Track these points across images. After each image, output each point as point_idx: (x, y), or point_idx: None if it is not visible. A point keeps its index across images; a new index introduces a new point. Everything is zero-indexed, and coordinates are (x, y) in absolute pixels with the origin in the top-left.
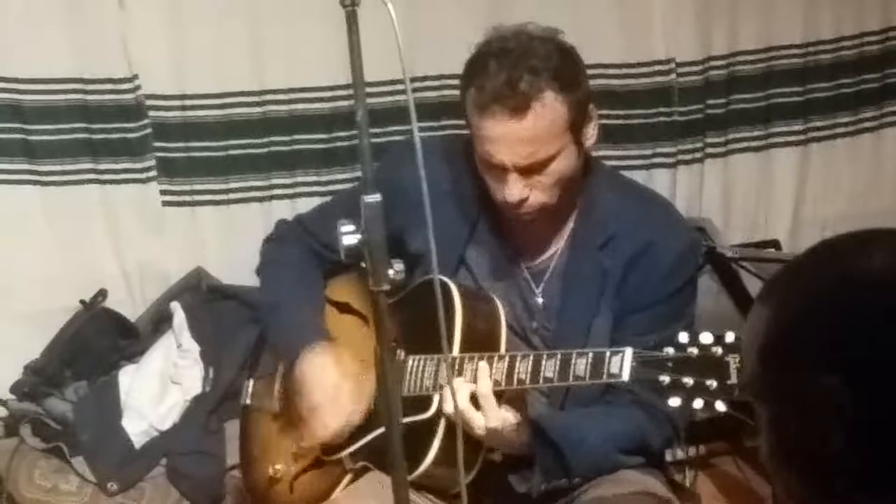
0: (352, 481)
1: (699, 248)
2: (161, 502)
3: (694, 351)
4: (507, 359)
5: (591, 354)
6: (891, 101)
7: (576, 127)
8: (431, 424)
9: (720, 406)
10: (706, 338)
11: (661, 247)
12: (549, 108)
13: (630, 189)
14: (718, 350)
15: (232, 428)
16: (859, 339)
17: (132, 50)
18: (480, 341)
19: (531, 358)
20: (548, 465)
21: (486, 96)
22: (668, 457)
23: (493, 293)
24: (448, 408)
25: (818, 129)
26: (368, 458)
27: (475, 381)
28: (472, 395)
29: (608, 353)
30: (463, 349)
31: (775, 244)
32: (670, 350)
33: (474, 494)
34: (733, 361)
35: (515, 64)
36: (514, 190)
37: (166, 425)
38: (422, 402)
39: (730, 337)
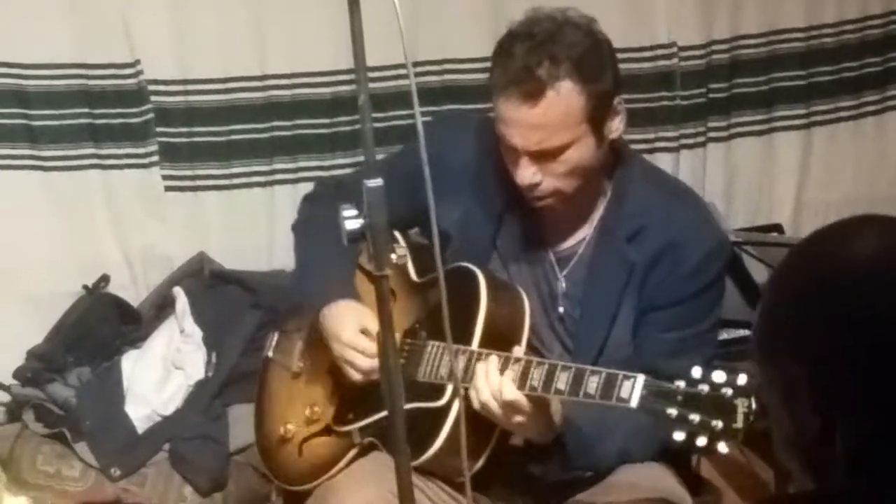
0: (357, 456)
1: (727, 250)
2: (164, 487)
3: (705, 388)
4: (522, 363)
5: (603, 374)
6: (893, 84)
7: (595, 119)
8: (442, 413)
9: (722, 448)
10: (718, 377)
11: (687, 246)
12: (565, 98)
13: (663, 183)
14: (728, 392)
15: (235, 412)
16: (829, 331)
17: (134, 35)
18: (502, 336)
19: (546, 367)
20: (576, 455)
21: (504, 78)
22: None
23: (519, 276)
24: (475, 404)
25: (821, 112)
26: (377, 435)
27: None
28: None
29: (620, 377)
30: (483, 342)
31: (778, 228)
32: (681, 384)
33: (485, 479)
34: (741, 405)
35: (537, 49)
36: (524, 173)
37: (169, 410)
38: (435, 390)
39: (742, 380)
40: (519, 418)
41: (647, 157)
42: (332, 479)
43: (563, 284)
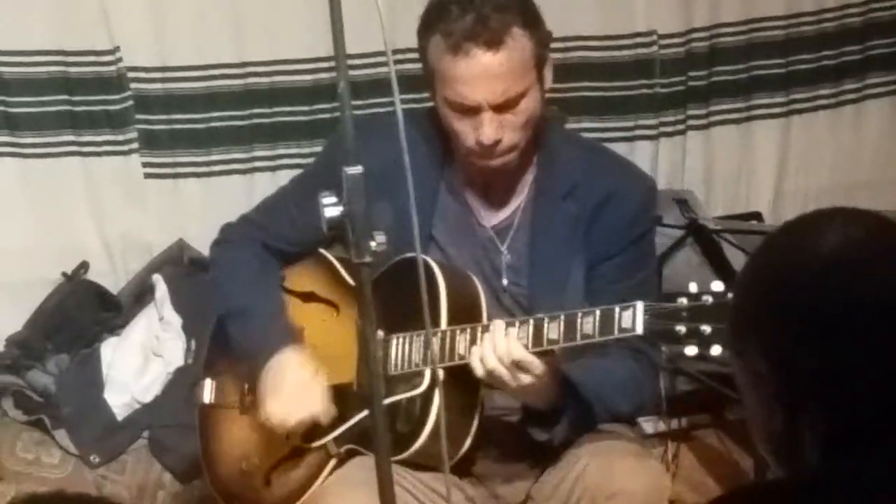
0: (337, 467)
1: (656, 191)
2: (143, 475)
3: (708, 299)
4: (503, 325)
5: (597, 312)
6: (872, 73)
7: (540, 66)
8: (425, 399)
9: None
10: (717, 286)
11: (623, 194)
12: (519, 43)
13: (581, 141)
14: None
15: None
16: (791, 324)
17: (113, 22)
18: (464, 315)
19: (531, 323)
20: (577, 418)
21: (457, 37)
22: (650, 429)
23: (459, 258)
24: (480, 372)
25: (800, 101)
26: (356, 440)
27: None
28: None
29: (617, 309)
30: (449, 323)
31: (757, 216)
32: (683, 300)
33: (481, 447)
34: None
35: (481, 4)
36: (489, 130)
37: (148, 398)
38: (411, 379)
39: None
40: (527, 379)
41: (626, 145)
42: (321, 487)
43: (507, 257)
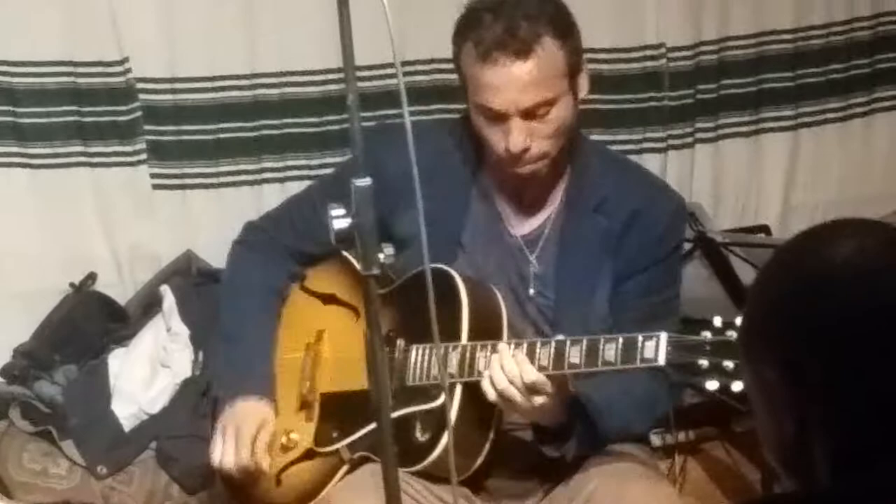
0: (348, 472)
1: (685, 210)
2: (150, 486)
3: (732, 334)
4: (525, 346)
5: (620, 339)
6: (881, 86)
7: (572, 74)
8: (443, 412)
9: None
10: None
11: (653, 210)
12: (549, 53)
13: (609, 153)
14: None
15: None
16: (802, 335)
17: (123, 33)
18: (485, 329)
19: (552, 345)
20: (587, 433)
21: (487, 46)
22: (658, 441)
23: (487, 266)
24: (491, 396)
25: (808, 114)
26: (368, 448)
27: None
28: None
29: (640, 338)
30: (470, 338)
31: (765, 229)
32: (707, 334)
33: (479, 476)
34: None
35: (511, 13)
36: (517, 137)
37: (156, 409)
38: (430, 390)
39: None
40: (540, 399)
41: (635, 158)
42: (328, 492)
43: (535, 267)
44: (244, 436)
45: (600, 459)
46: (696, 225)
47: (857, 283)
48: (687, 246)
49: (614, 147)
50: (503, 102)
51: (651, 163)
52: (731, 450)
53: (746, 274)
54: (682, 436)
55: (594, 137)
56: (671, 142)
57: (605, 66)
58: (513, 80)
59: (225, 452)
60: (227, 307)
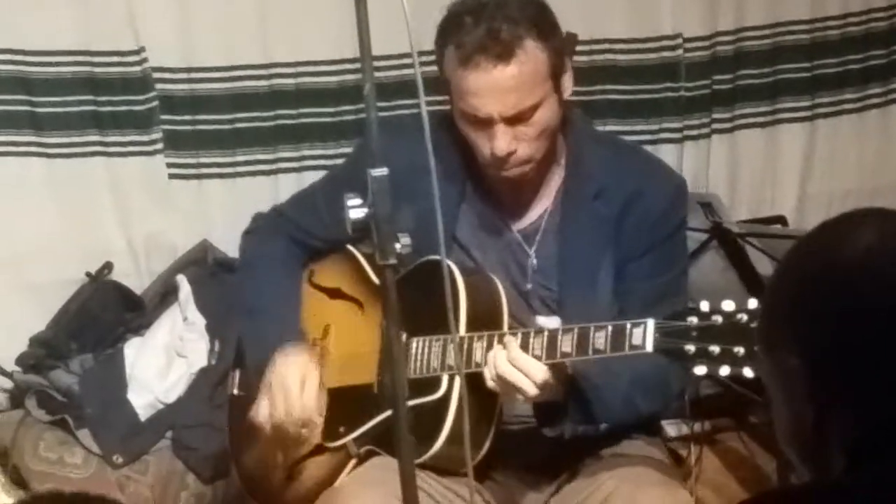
0: (356, 467)
1: (686, 189)
2: (166, 475)
3: (718, 319)
4: (519, 336)
5: (609, 327)
6: None
7: (556, 75)
8: (442, 403)
9: (748, 372)
10: (728, 305)
11: (651, 192)
12: (531, 56)
13: (609, 139)
14: (743, 317)
15: None
16: (824, 324)
17: (139, 22)
18: (485, 320)
19: (545, 334)
20: (577, 413)
21: (469, 49)
22: (673, 432)
23: (485, 262)
24: (489, 378)
25: (825, 104)
26: (375, 442)
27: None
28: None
29: (629, 326)
30: (469, 329)
31: (781, 220)
32: (693, 319)
33: (484, 467)
34: None
35: (493, 16)
36: (501, 142)
37: (172, 398)
38: (429, 383)
39: (752, 303)
40: (533, 389)
41: (651, 148)
42: (335, 486)
43: (535, 260)
44: (291, 387)
45: (616, 461)
46: (712, 215)
47: (879, 271)
48: (703, 236)
49: (631, 138)
50: (486, 108)
51: (667, 153)
52: (748, 440)
53: (763, 264)
54: (697, 426)
55: (610, 128)
56: (687, 132)
57: (621, 57)
58: (495, 84)
59: (274, 406)
60: (248, 284)
